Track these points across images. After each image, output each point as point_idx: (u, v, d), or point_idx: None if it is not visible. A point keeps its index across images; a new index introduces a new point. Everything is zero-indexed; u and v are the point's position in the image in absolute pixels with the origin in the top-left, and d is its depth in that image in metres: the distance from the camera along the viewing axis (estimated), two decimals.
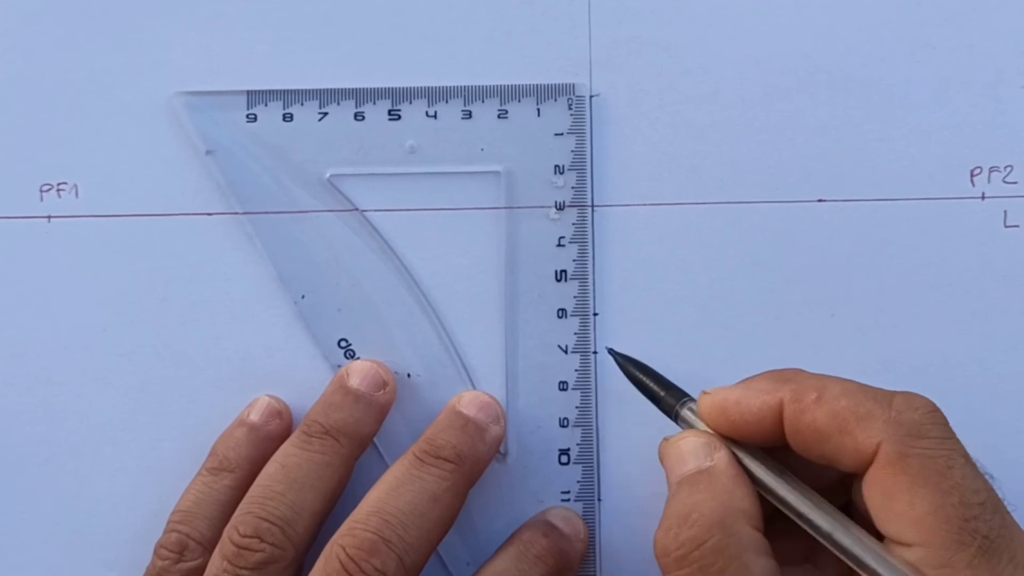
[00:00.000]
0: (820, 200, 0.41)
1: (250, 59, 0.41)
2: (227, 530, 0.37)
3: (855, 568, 0.32)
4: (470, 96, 0.41)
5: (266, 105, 0.41)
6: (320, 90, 0.41)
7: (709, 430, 0.35)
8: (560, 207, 0.41)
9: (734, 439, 0.35)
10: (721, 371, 0.40)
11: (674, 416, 0.37)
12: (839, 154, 0.41)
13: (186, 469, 0.40)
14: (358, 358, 0.41)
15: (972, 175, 0.41)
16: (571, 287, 0.41)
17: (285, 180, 0.41)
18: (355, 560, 0.35)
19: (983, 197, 0.41)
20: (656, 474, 0.40)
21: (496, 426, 0.40)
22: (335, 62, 0.41)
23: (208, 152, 0.41)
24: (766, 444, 0.35)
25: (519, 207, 0.41)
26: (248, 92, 0.41)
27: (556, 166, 0.41)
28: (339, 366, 0.41)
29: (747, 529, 0.33)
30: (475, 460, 0.39)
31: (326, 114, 0.41)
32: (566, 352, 0.41)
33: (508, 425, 0.40)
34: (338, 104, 0.41)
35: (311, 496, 0.38)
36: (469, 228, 0.41)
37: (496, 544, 0.40)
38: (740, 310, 0.41)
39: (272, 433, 0.40)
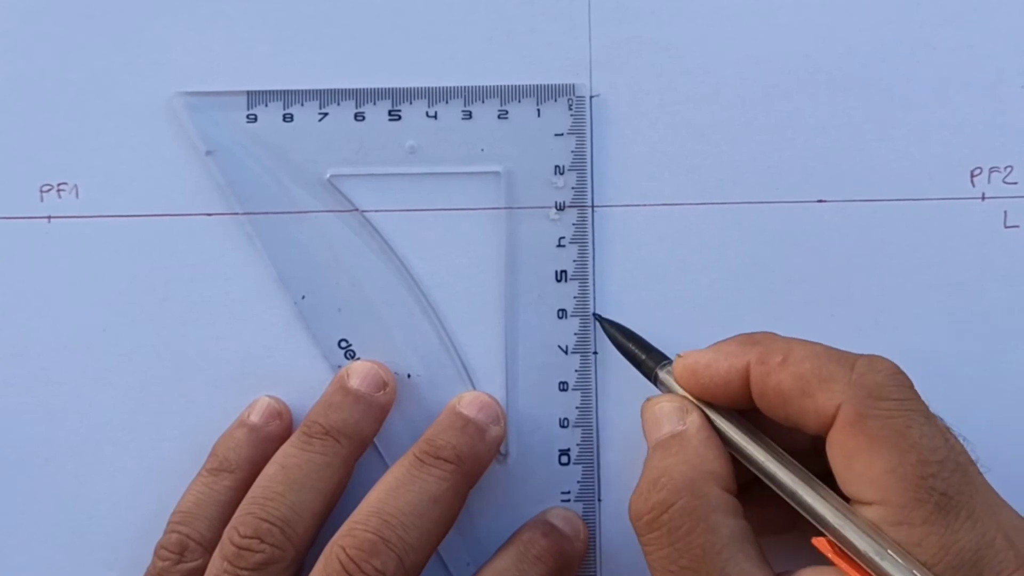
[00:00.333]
0: (820, 200, 0.41)
1: (250, 59, 0.41)
2: (227, 531, 0.37)
3: (818, 526, 0.33)
4: (470, 96, 0.41)
5: (266, 105, 0.41)
6: (320, 90, 0.41)
7: (684, 393, 0.36)
8: (560, 207, 0.41)
9: (708, 401, 0.35)
10: None
11: (653, 378, 0.37)
12: (839, 154, 0.41)
13: (186, 469, 0.40)
14: (358, 358, 0.41)
15: (972, 175, 0.41)
16: (571, 287, 0.41)
17: (285, 180, 0.41)
18: (355, 560, 0.35)
19: (983, 197, 0.41)
20: None
21: (496, 426, 0.40)
22: (335, 62, 0.41)
23: (208, 152, 0.41)
24: (737, 406, 0.35)
25: (519, 207, 0.41)
26: (248, 92, 0.41)
27: (556, 166, 0.41)
28: (339, 366, 0.41)
29: (716, 491, 0.33)
30: (475, 460, 0.39)
31: (326, 114, 0.41)
32: (566, 352, 0.41)
33: (508, 425, 0.40)
34: (338, 104, 0.41)
35: (311, 497, 0.38)
36: (469, 228, 0.41)
37: (496, 544, 0.40)
38: (740, 310, 0.41)
39: (272, 434, 0.40)
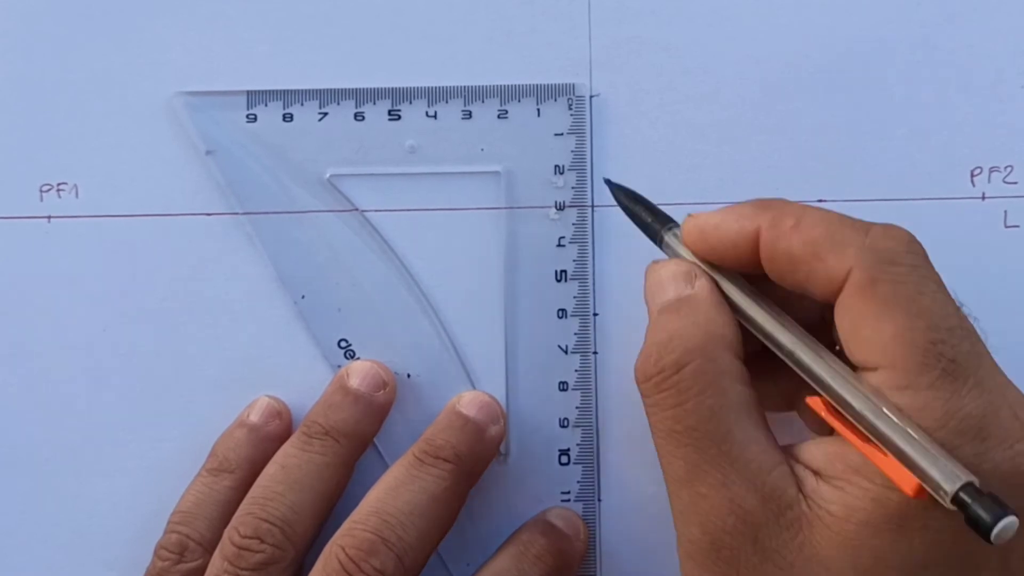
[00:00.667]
0: (820, 200, 0.41)
1: (250, 59, 0.41)
2: (227, 531, 0.37)
3: (815, 387, 0.32)
4: (470, 96, 0.41)
5: (266, 105, 0.41)
6: (320, 90, 0.41)
7: (691, 256, 0.35)
8: (560, 207, 0.41)
9: (715, 265, 0.35)
10: None
11: (659, 241, 0.37)
12: (839, 154, 0.41)
13: (186, 469, 0.40)
14: (358, 358, 0.41)
15: (972, 175, 0.41)
16: (571, 287, 0.41)
17: (285, 180, 0.41)
18: (354, 560, 0.35)
19: (983, 197, 0.41)
20: (656, 474, 0.41)
21: (496, 426, 0.40)
22: (335, 62, 0.41)
23: (208, 152, 0.41)
24: (745, 270, 0.34)
25: (519, 207, 0.41)
26: (248, 92, 0.41)
27: (556, 166, 0.41)
28: (339, 366, 0.41)
29: (727, 355, 0.33)
30: (475, 460, 0.39)
31: (326, 114, 0.41)
32: (566, 352, 0.41)
33: (508, 425, 0.40)
34: (338, 104, 0.41)
35: (311, 497, 0.38)
36: (469, 228, 0.41)
37: (496, 544, 0.40)
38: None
39: (272, 434, 0.40)
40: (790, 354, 0.33)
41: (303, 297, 0.41)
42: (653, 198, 0.41)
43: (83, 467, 0.41)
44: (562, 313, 0.41)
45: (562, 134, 0.41)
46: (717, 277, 0.35)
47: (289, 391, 0.41)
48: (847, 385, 0.31)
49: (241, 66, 0.41)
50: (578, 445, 0.41)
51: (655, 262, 0.36)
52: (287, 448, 0.39)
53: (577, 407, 0.41)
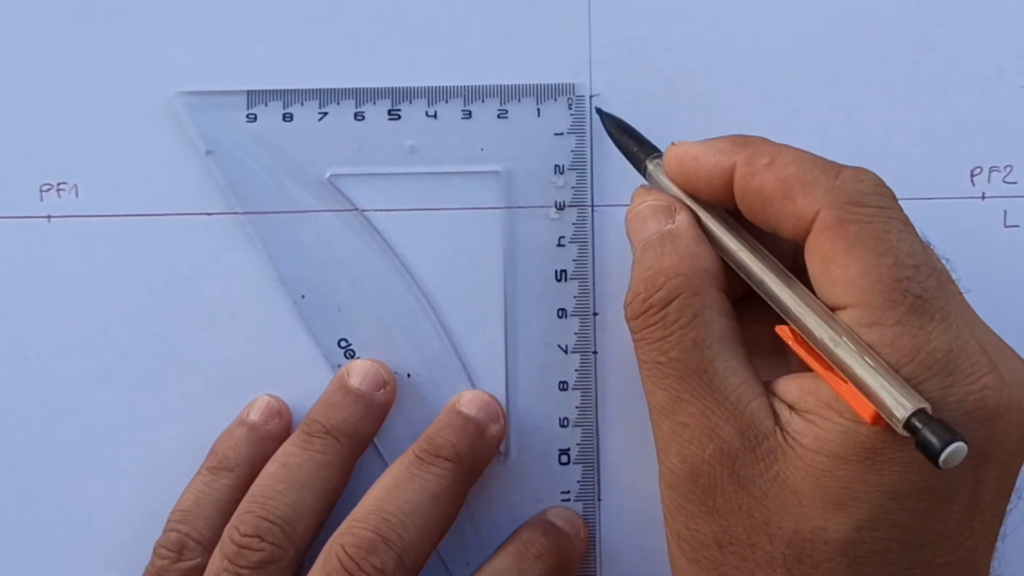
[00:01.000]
0: None
1: (250, 59, 0.41)
2: (227, 529, 0.37)
3: (782, 315, 0.33)
4: (470, 96, 0.41)
5: (266, 105, 0.41)
6: (320, 90, 0.41)
7: (673, 187, 0.36)
8: (560, 207, 0.41)
9: (695, 198, 0.35)
10: None
11: (643, 170, 0.37)
12: (839, 154, 0.41)
13: (186, 469, 0.40)
14: (358, 358, 0.41)
15: (972, 175, 0.41)
16: (571, 287, 0.41)
17: (285, 180, 0.41)
18: (354, 559, 0.35)
19: (983, 197, 0.41)
20: (656, 474, 0.41)
21: (496, 425, 0.40)
22: (335, 62, 0.41)
23: (208, 152, 0.41)
24: (722, 204, 0.35)
25: (519, 207, 0.41)
26: (248, 92, 0.41)
27: (556, 166, 0.41)
28: (339, 366, 0.41)
29: (711, 288, 0.34)
30: (475, 459, 0.39)
31: (326, 114, 0.41)
32: (566, 352, 0.41)
33: (509, 425, 0.40)
34: (338, 104, 0.41)
35: (311, 496, 0.38)
36: (469, 228, 0.41)
37: (496, 544, 0.40)
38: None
39: (272, 432, 0.40)
40: (760, 283, 0.34)
41: (303, 297, 0.41)
42: None
43: (82, 467, 0.41)
44: (562, 313, 0.41)
45: (562, 134, 0.41)
46: (696, 209, 0.35)
47: (289, 390, 0.41)
48: (809, 314, 0.32)
49: (241, 66, 0.41)
50: (578, 445, 0.41)
51: (635, 194, 0.36)
52: (287, 447, 0.39)
53: (577, 407, 0.41)
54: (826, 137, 0.41)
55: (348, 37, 0.41)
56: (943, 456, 0.29)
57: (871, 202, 0.32)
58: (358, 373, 0.40)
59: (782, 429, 0.32)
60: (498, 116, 0.41)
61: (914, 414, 0.29)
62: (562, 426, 0.41)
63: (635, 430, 0.40)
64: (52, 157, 0.41)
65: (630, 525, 0.41)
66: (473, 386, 0.41)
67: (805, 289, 0.33)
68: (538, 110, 0.41)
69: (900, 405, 0.30)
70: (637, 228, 0.36)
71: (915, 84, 0.41)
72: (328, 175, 0.41)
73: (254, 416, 0.40)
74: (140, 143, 0.41)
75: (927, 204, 0.41)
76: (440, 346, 0.41)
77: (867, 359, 0.30)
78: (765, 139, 0.34)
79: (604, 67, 0.41)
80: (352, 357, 0.41)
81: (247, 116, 0.41)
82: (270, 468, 0.38)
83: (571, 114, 0.41)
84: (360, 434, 0.39)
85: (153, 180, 0.41)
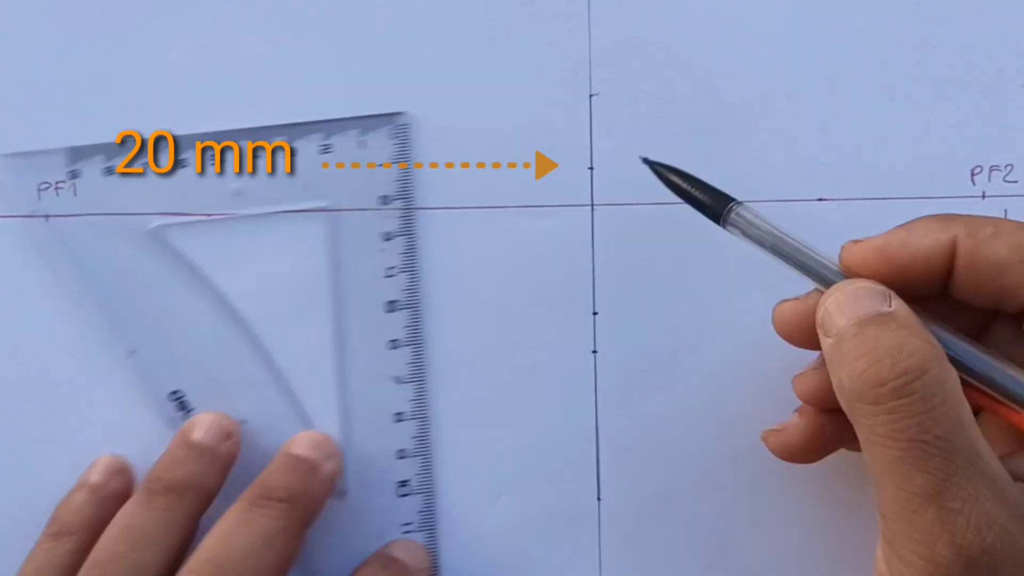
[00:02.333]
0: (820, 200, 0.41)
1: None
2: None
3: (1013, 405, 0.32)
4: (293, 133, 0.40)
5: (88, 160, 0.40)
6: (143, 140, 0.40)
7: (772, 237, 0.35)
8: (388, 238, 0.40)
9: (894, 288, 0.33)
10: (720, 369, 0.40)
11: (723, 221, 0.36)
12: (839, 154, 0.41)
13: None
14: (194, 409, 0.40)
15: (972, 174, 0.41)
16: (402, 316, 0.40)
17: (111, 234, 0.40)
18: None
19: (983, 196, 0.41)
20: (656, 474, 0.40)
21: (330, 463, 0.39)
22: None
23: (34, 216, 0.40)
24: (924, 293, 0.34)
25: (346, 240, 0.40)
26: (69, 149, 0.40)
27: (382, 197, 0.40)
28: (175, 418, 0.40)
29: (953, 368, 0.31)
30: (309, 498, 0.38)
31: (148, 163, 0.40)
32: (400, 383, 0.40)
33: (345, 461, 0.40)
34: (160, 152, 0.40)
35: (156, 554, 0.37)
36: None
37: None
38: (739, 310, 0.41)
39: (114, 492, 0.39)
40: (990, 370, 0.32)
41: (134, 351, 0.40)
42: (653, 198, 0.41)
43: None
44: (394, 343, 0.40)
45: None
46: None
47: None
48: None
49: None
50: (417, 475, 0.40)
51: (837, 286, 0.34)
52: (129, 507, 0.37)
53: (414, 437, 0.40)
54: (826, 137, 0.41)
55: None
56: None
57: None
58: (201, 426, 0.39)
59: None
60: (321, 151, 0.40)
61: None
62: (399, 457, 0.40)
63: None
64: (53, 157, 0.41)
65: (631, 525, 0.41)
66: (309, 426, 0.40)
67: None
68: (362, 141, 0.40)
69: None
70: (847, 305, 0.33)
71: (915, 84, 0.41)
72: (154, 225, 0.40)
73: (95, 477, 0.39)
74: None
75: (927, 204, 0.41)
76: (274, 389, 0.40)
77: None
78: (957, 214, 0.34)
79: (604, 67, 0.41)
80: (187, 409, 0.40)
81: (69, 173, 0.40)
82: (112, 530, 0.37)
83: (395, 143, 0.40)
84: (205, 488, 0.38)
85: None
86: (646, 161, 0.38)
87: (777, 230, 0.35)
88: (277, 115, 0.40)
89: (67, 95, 0.40)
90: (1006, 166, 0.41)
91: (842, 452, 0.38)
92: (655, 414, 0.40)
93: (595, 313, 0.41)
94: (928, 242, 0.33)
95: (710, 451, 0.40)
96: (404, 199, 0.40)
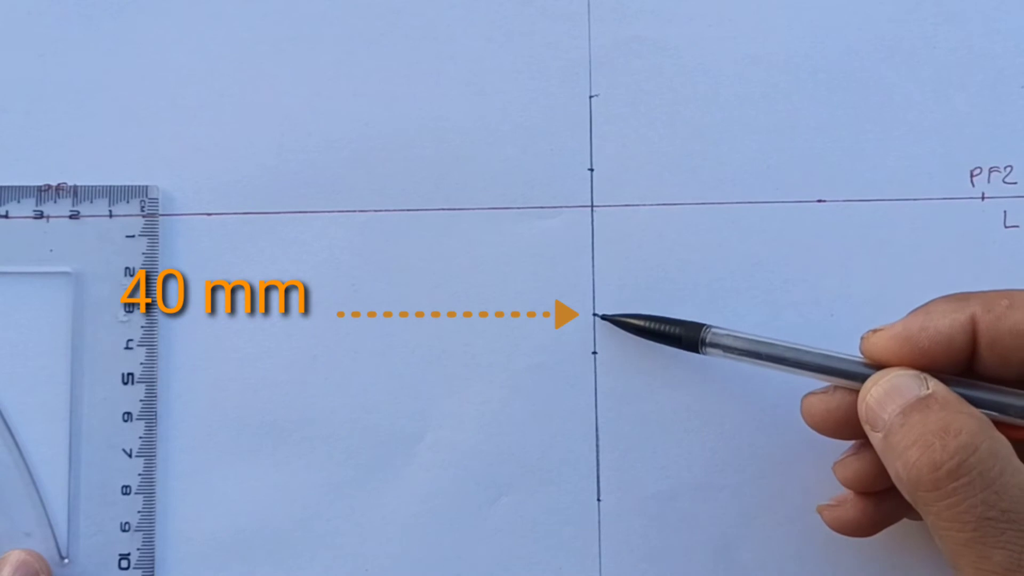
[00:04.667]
0: (820, 200, 0.41)
1: None
2: None
3: None
4: (42, 197, 0.40)
5: None
6: None
7: (749, 350, 0.35)
8: (129, 310, 0.40)
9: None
10: (720, 370, 0.40)
11: (701, 347, 0.37)
12: (839, 154, 0.41)
13: None
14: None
15: (972, 175, 0.41)
16: (138, 390, 0.40)
17: None
18: None
19: (983, 197, 0.41)
20: (656, 474, 0.41)
21: None
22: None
23: None
24: (951, 370, 0.34)
25: (88, 309, 0.40)
26: None
27: (127, 268, 0.40)
28: None
29: (1003, 437, 0.31)
30: None
31: None
32: (130, 456, 0.40)
33: (70, 529, 0.39)
34: None
35: None
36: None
37: None
38: (740, 310, 0.41)
39: None
40: None
41: None
42: (653, 198, 0.41)
43: None
44: (128, 416, 0.40)
45: (133, 236, 0.40)
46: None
47: None
48: None
49: None
50: (139, 550, 0.40)
51: (874, 379, 0.34)
52: None
53: (139, 511, 0.40)
54: (826, 137, 0.41)
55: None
56: None
57: None
58: (10, 565, 0.38)
59: None
60: (70, 216, 0.40)
61: None
62: (123, 531, 0.40)
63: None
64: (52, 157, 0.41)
65: (630, 525, 0.41)
66: (37, 491, 0.40)
67: None
68: (110, 211, 0.40)
69: None
70: (889, 398, 0.33)
71: (915, 84, 0.41)
72: None
73: None
74: None
75: (927, 204, 0.41)
76: (8, 458, 0.40)
77: None
78: (970, 292, 0.34)
79: (604, 67, 0.41)
80: None
81: None
82: None
83: (143, 216, 0.40)
84: None
85: None
86: (604, 317, 0.40)
87: (761, 337, 0.36)
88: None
89: None
90: (1006, 167, 0.41)
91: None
92: (655, 414, 0.40)
93: (595, 314, 0.41)
94: (947, 323, 0.33)
95: (710, 451, 0.40)
96: (148, 271, 0.40)
